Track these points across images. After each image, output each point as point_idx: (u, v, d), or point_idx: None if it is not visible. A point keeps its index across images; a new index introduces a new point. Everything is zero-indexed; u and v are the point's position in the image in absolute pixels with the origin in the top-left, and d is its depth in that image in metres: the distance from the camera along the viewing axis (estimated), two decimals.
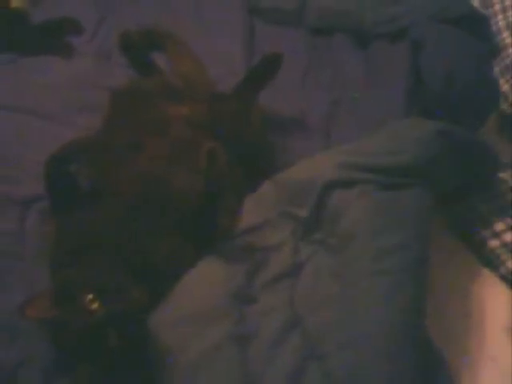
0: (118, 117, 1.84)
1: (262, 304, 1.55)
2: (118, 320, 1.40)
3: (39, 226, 1.74)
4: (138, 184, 1.63)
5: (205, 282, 1.57)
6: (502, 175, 2.01)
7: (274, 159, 1.91)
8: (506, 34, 2.37)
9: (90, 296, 1.41)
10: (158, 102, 1.83)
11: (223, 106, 1.86)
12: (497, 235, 1.93)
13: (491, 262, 1.93)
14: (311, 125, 2.02)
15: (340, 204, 1.67)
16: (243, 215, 1.72)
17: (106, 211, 1.60)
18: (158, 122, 1.77)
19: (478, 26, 2.18)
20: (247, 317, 1.52)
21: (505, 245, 1.91)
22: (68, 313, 1.41)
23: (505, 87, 2.30)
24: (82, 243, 1.56)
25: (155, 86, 1.91)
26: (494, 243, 1.93)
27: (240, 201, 1.75)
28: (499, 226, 1.95)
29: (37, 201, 1.77)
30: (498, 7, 2.43)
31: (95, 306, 1.40)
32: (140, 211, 1.59)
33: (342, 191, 1.68)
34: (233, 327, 1.48)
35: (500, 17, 2.40)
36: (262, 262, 1.63)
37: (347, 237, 1.61)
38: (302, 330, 1.49)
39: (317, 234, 1.68)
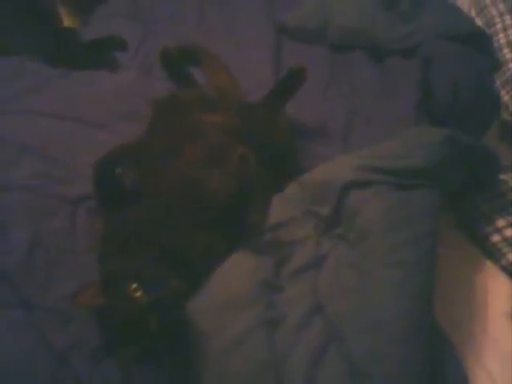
0: (159, 124, 1.83)
1: (288, 292, 1.55)
2: (159, 307, 1.39)
3: (88, 222, 1.74)
4: (176, 185, 1.63)
5: (237, 272, 1.57)
6: (503, 177, 2.01)
7: (299, 163, 1.90)
8: (506, 51, 2.39)
9: (134, 285, 1.41)
10: (195, 111, 1.82)
11: (253, 115, 1.86)
12: (498, 231, 1.94)
13: (493, 254, 1.93)
14: (331, 132, 2.02)
15: (357, 203, 1.67)
16: (271, 213, 1.72)
17: (148, 210, 1.60)
18: (195, 129, 1.75)
19: (481, 42, 2.18)
20: (275, 304, 1.52)
21: (505, 239, 1.91)
22: (114, 300, 1.41)
23: (505, 98, 2.31)
24: (127, 238, 1.56)
25: (192, 97, 1.91)
26: (495, 238, 1.93)
27: (268, 200, 1.74)
28: (500, 223, 1.96)
29: (86, 200, 1.78)
30: (499, 26, 2.44)
31: (138, 294, 1.40)
32: (178, 209, 1.59)
33: (359, 191, 1.68)
34: (263, 313, 1.49)
35: (501, 35, 2.42)
36: (288, 254, 1.62)
37: (364, 232, 1.61)
38: (324, 316, 1.50)
39: (337, 230, 1.67)
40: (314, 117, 2.02)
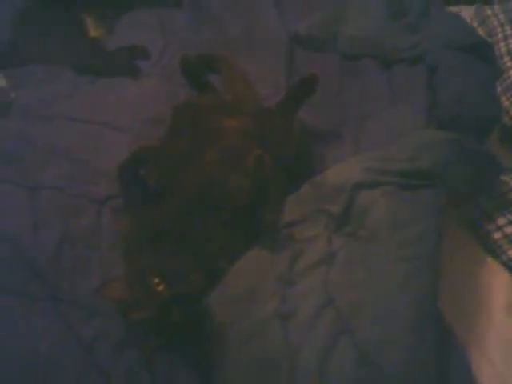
0: (180, 128, 1.83)
1: (300, 286, 1.54)
2: (180, 299, 1.41)
3: (112, 221, 1.75)
4: (197, 185, 1.63)
5: (254, 267, 1.58)
6: (503, 177, 2.01)
7: (312, 164, 1.90)
8: (506, 59, 2.39)
9: (157, 279, 1.43)
10: (213, 116, 1.82)
11: (268, 119, 1.85)
12: (499, 228, 1.94)
13: (494, 251, 1.93)
14: (343, 136, 2.00)
15: (366, 202, 1.65)
16: (285, 212, 1.72)
17: (170, 209, 1.60)
18: (213, 132, 1.75)
19: (484, 52, 2.15)
20: (289, 297, 1.51)
21: (506, 236, 1.91)
22: (138, 293, 1.43)
23: (506, 103, 2.30)
24: (151, 235, 1.57)
25: (211, 102, 1.91)
26: (496, 235, 1.93)
27: (283, 200, 1.74)
28: (501, 221, 1.95)
29: (111, 200, 1.80)
30: (500, 36, 2.43)
31: (161, 287, 1.42)
32: (199, 208, 1.59)
33: (368, 191, 1.66)
34: (277, 306, 1.48)
35: (501, 44, 2.40)
36: (301, 251, 1.62)
37: (373, 230, 1.60)
38: (335, 308, 1.48)
39: (347, 228, 1.64)
40: (326, 121, 2.01)
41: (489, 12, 2.56)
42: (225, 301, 1.51)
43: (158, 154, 1.73)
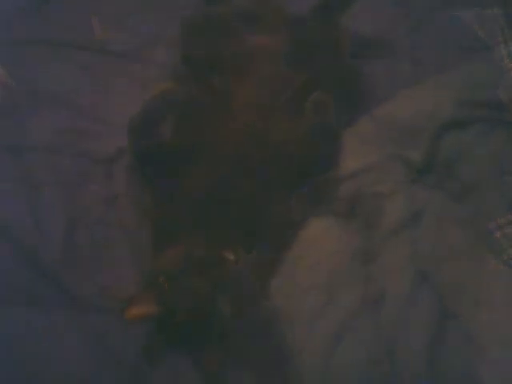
0: (194, 52, 1.53)
1: (383, 260, 1.34)
2: (226, 288, 1.22)
3: (129, 188, 1.49)
4: (234, 140, 1.39)
5: (323, 244, 1.37)
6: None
7: (361, 84, 1.61)
8: None
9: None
10: (235, 32, 1.53)
11: (306, 32, 1.56)
12: (500, 228, 1.70)
13: (495, 249, 1.70)
14: (395, 46, 1.71)
15: (457, 146, 1.44)
16: (345, 158, 1.47)
17: (202, 175, 1.37)
18: (241, 57, 1.48)
19: None
20: (374, 277, 1.32)
21: (505, 236, 1.68)
22: (174, 297, 1.21)
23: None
24: (181, 213, 1.35)
25: (230, 13, 1.59)
26: (497, 234, 1.70)
27: (339, 139, 1.48)
28: (501, 221, 1.70)
29: (121, 156, 1.53)
30: None
31: (198, 281, 1.21)
32: (241, 171, 1.37)
33: (459, 132, 1.45)
34: (362, 291, 1.31)
35: None
36: (376, 211, 1.41)
37: (471, 183, 1.40)
38: (432, 287, 1.30)
39: (431, 178, 1.44)
40: (374, 28, 1.72)
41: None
42: (292, 293, 1.32)
43: (179, 105, 1.46)
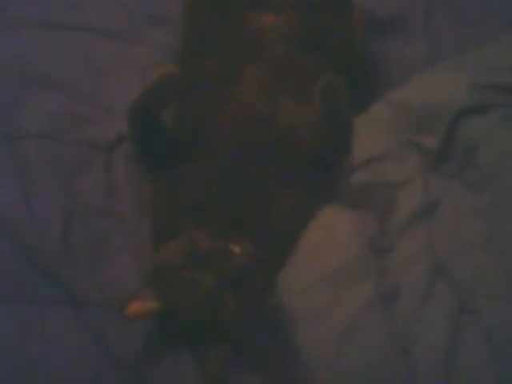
0: (199, 33, 1.55)
1: (398, 253, 1.30)
2: (230, 282, 1.19)
3: (129, 176, 1.48)
4: (240, 125, 1.38)
5: (335, 235, 1.35)
6: None
7: (375, 67, 1.63)
8: None
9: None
10: (241, 10, 1.51)
11: (318, 11, 1.53)
12: None
13: None
14: (410, 26, 1.72)
15: (476, 132, 1.37)
16: (357, 145, 1.45)
17: (208, 164, 1.36)
18: (249, 37, 1.47)
19: None
20: (387, 270, 1.29)
21: None
22: (175, 293, 1.20)
23: None
24: (184, 204, 1.34)
25: None
26: None
27: (351, 124, 1.45)
28: None
29: (120, 143, 1.50)
30: None
31: (201, 275, 1.18)
32: (248, 159, 1.35)
33: (479, 117, 1.37)
34: (375, 285, 1.26)
35: None
36: (389, 202, 1.36)
37: (491, 171, 1.32)
38: (449, 281, 1.24)
39: (449, 167, 1.37)
40: (389, 8, 1.73)
41: None
42: (302, 287, 1.29)
43: (181, 87, 1.41)
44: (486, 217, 1.30)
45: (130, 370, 1.24)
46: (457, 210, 1.33)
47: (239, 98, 1.40)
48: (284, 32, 1.48)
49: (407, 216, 1.33)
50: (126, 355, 1.26)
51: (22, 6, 1.72)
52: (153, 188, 1.40)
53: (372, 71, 1.62)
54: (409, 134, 1.44)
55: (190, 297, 1.18)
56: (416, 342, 1.19)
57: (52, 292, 1.31)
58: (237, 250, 1.21)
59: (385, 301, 1.24)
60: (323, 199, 1.39)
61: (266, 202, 1.34)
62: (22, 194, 1.40)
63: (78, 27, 1.67)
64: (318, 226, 1.36)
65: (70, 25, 1.67)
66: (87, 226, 1.39)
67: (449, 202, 1.34)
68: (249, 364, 1.24)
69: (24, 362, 1.24)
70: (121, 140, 1.50)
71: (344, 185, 1.41)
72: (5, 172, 1.43)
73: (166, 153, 1.38)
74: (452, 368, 1.16)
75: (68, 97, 1.57)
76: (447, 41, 1.66)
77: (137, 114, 1.38)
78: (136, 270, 1.32)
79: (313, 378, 1.22)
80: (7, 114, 1.51)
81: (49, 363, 1.24)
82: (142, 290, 1.23)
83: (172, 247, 1.25)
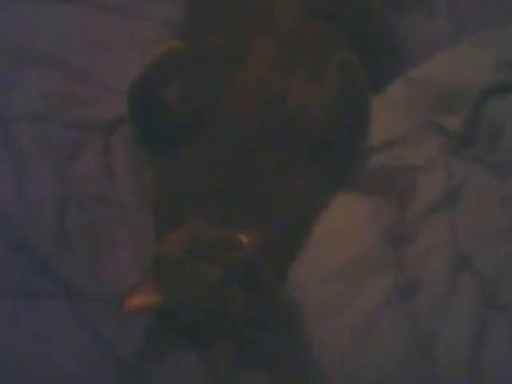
0: (204, 5, 1.50)
1: (419, 243, 1.29)
2: (237, 274, 1.16)
3: (128, 160, 1.46)
4: (249, 104, 1.34)
5: (349, 224, 1.33)
6: None
7: (394, 43, 1.61)
8: None
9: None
10: None
11: None
12: None
13: None
14: (433, 2, 1.69)
15: (503, 113, 1.38)
16: (374, 127, 1.41)
17: (213, 147, 1.32)
18: (258, 8, 1.43)
19: None
20: (407, 262, 1.27)
21: None
22: (176, 287, 1.18)
23: None
24: (190, 191, 1.31)
25: None
26: None
27: (368, 104, 1.42)
28: None
29: (120, 125, 1.48)
30: None
31: (204, 267, 1.16)
32: (256, 141, 1.32)
33: (504, 97, 1.39)
34: (394, 277, 1.25)
35: None
36: (409, 188, 1.35)
37: None
38: (474, 273, 1.25)
39: (472, 150, 1.39)
40: None
41: None
42: (316, 280, 1.26)
43: (186, 63, 1.38)
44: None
45: (130, 369, 1.23)
46: (481, 197, 1.33)
47: (247, 75, 1.37)
48: (295, 2, 1.45)
49: (428, 203, 1.33)
50: (126, 354, 1.25)
51: None
52: (154, 173, 1.37)
53: (391, 47, 1.60)
54: (430, 114, 1.43)
55: (193, 291, 1.15)
56: (438, 340, 1.18)
57: (47, 286, 1.30)
58: (244, 240, 1.19)
59: (404, 295, 1.23)
60: (338, 185, 1.36)
61: (275, 188, 1.30)
62: (13, 180, 1.39)
63: (74, 0, 1.64)
64: (332, 215, 1.33)
65: None
66: (84, 214, 1.38)
67: (472, 187, 1.34)
68: (257, 364, 1.23)
69: (19, 361, 1.23)
70: (120, 121, 1.47)
71: (360, 170, 1.38)
72: None
73: (168, 135, 1.34)
74: (477, 367, 1.15)
75: (63, 75, 1.55)
76: (472, 16, 1.64)
77: (137, 94, 1.35)
78: (137, 262, 1.31)
79: (326, 379, 1.20)
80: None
81: (45, 363, 1.23)
82: (142, 283, 1.20)
83: (174, 237, 1.23)
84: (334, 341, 1.21)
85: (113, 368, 1.24)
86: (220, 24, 1.46)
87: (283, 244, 1.27)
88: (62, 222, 1.35)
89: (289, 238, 1.29)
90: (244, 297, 1.16)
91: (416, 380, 1.17)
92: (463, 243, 1.28)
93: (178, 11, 1.57)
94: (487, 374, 1.15)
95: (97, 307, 1.28)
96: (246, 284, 1.16)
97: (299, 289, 1.26)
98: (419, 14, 1.68)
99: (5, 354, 1.23)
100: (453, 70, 1.46)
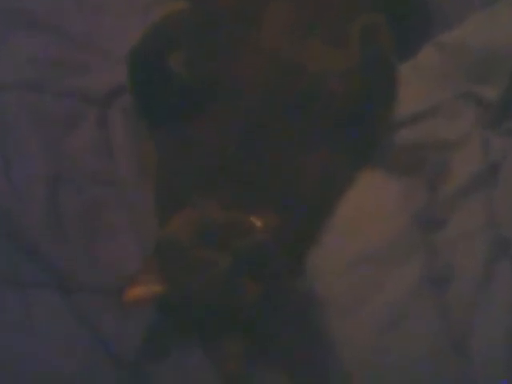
0: None
1: (452, 228, 1.25)
2: (250, 261, 1.11)
3: (128, 134, 1.42)
4: (261, 74, 1.30)
5: (375, 207, 1.30)
6: None
7: (424, 5, 1.53)
8: None
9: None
10: None
11: None
12: None
13: None
14: None
15: None
16: (402, 98, 1.38)
17: (222, 120, 1.29)
18: None
19: None
20: (438, 249, 1.24)
21: None
22: (185, 272, 1.13)
23: None
24: (197, 169, 1.27)
25: None
26: None
27: (395, 72, 1.39)
28: None
29: (118, 95, 1.44)
30: None
31: (214, 254, 1.12)
32: (270, 113, 1.28)
33: None
34: (424, 265, 1.22)
35: None
36: (441, 166, 1.33)
37: None
38: None
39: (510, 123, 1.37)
40: None
41: None
42: (337, 268, 1.23)
43: (192, 27, 1.36)
44: None
45: (130, 368, 1.19)
46: None
47: (261, 39, 1.34)
48: None
49: (462, 183, 1.30)
50: (125, 351, 1.20)
51: None
52: (156, 149, 1.34)
53: (421, 8, 1.54)
54: (464, 83, 1.41)
55: (200, 281, 1.11)
56: (473, 335, 1.15)
57: (37, 274, 1.26)
58: (258, 223, 1.15)
59: (436, 285, 1.21)
60: (361, 163, 1.33)
61: (292, 165, 1.26)
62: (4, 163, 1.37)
63: None
64: (355, 196, 1.31)
65: None
66: (79, 195, 1.34)
67: None
68: (272, 363, 1.18)
69: (3, 358, 1.19)
70: (119, 91, 1.44)
71: (387, 146, 1.36)
72: None
73: (172, 106, 1.31)
74: None
75: (56, 39, 1.52)
76: None
77: (138, 60, 1.33)
78: (137, 249, 1.26)
79: (349, 378, 1.15)
80: None
81: (33, 360, 1.19)
82: (144, 272, 1.16)
83: (179, 221, 1.18)
84: (357, 337, 1.17)
85: (110, 367, 1.19)
86: None
87: (301, 228, 1.23)
88: (54, 204, 1.31)
89: (307, 222, 1.25)
90: (257, 288, 1.10)
91: (448, 381, 1.13)
92: (501, 227, 1.24)
93: None
94: None
95: (93, 299, 1.24)
96: (259, 274, 1.11)
97: (319, 279, 1.23)
98: None
99: None
100: (489, 33, 1.44)
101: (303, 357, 1.18)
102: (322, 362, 1.17)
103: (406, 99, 1.38)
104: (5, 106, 1.41)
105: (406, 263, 1.23)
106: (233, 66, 1.32)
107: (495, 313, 1.17)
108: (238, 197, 1.22)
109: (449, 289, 1.19)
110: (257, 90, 1.29)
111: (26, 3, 1.56)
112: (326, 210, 1.29)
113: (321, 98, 1.29)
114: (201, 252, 1.11)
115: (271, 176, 1.26)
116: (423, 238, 1.25)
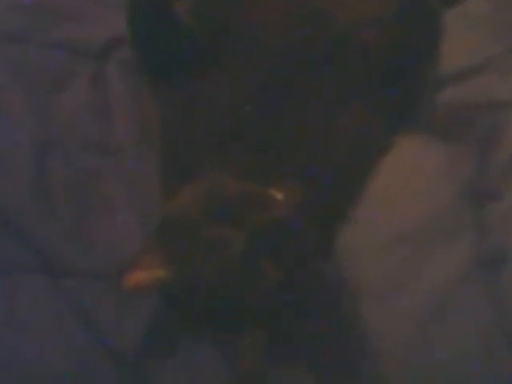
0: None
1: (506, 202, 1.22)
2: (271, 248, 1.04)
3: (127, 92, 1.36)
4: (281, 24, 1.21)
5: (415, 178, 1.26)
6: None
7: None
8: None
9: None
10: None
11: None
12: None
13: None
14: None
15: None
16: (447, 52, 1.28)
17: (236, 75, 1.19)
18: None
19: None
20: (490, 226, 1.20)
21: None
22: (194, 254, 1.06)
23: None
24: (207, 134, 1.19)
25: None
26: None
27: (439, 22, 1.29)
28: None
29: (116, 47, 1.39)
30: None
31: (232, 233, 1.04)
32: (294, 68, 1.19)
33: None
34: (473, 245, 1.19)
35: None
36: (492, 130, 1.27)
37: None
38: None
39: None
40: None
41: None
42: (372, 248, 1.19)
43: None
44: None
45: (130, 365, 1.17)
46: None
47: None
48: None
49: None
50: (124, 345, 1.17)
51: None
52: (160, 109, 1.24)
53: None
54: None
55: (211, 263, 1.04)
56: None
57: (23, 257, 1.23)
58: (278, 196, 1.09)
59: (485, 268, 1.17)
60: (400, 126, 1.25)
61: (319, 129, 1.16)
62: None
63: None
64: (393, 165, 1.23)
65: None
66: (70, 164, 1.29)
67: None
68: (295, 359, 1.15)
69: None
70: (117, 42, 1.39)
71: (430, 106, 1.30)
72: None
73: (178, 60, 1.21)
74: None
75: None
76: None
77: (139, 7, 1.23)
78: (138, 227, 1.22)
79: (385, 380, 1.12)
80: None
81: (19, 355, 1.16)
82: (145, 253, 1.08)
83: (187, 194, 1.11)
84: (394, 331, 1.13)
85: (107, 363, 1.17)
86: None
87: (328, 202, 1.15)
88: (41, 174, 1.28)
89: (336, 195, 1.17)
90: (277, 272, 1.03)
91: (500, 377, 1.09)
92: None
93: None
94: None
95: (86, 285, 1.20)
96: (280, 255, 1.04)
97: (350, 261, 1.18)
98: None
99: None
100: None
101: (331, 354, 1.14)
102: (353, 361, 1.14)
103: (451, 52, 1.29)
104: None
105: (451, 242, 1.19)
106: (249, 11, 1.23)
107: None
108: (256, 165, 1.14)
109: (502, 273, 1.16)
110: (277, 41, 1.20)
111: None
112: (358, 180, 1.22)
113: (353, 51, 1.20)
114: (212, 230, 1.04)
115: (294, 141, 1.17)
116: (472, 213, 1.22)
